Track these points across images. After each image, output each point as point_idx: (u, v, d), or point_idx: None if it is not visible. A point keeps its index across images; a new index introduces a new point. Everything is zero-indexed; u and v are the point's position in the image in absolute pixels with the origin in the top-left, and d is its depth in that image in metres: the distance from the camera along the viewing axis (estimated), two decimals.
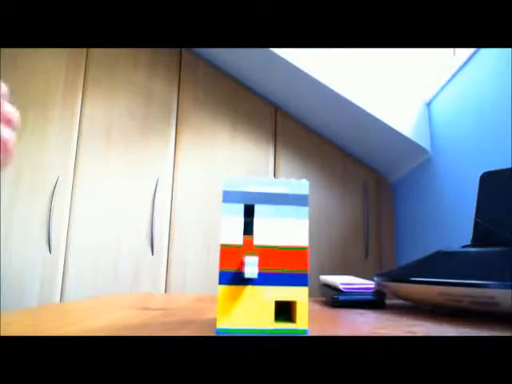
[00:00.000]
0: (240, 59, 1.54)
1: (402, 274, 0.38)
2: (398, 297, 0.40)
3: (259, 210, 0.23)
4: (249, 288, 0.22)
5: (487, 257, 0.37)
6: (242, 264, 0.23)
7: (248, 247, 0.23)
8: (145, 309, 0.35)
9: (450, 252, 0.40)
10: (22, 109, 1.53)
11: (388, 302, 0.47)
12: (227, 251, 0.23)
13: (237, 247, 0.23)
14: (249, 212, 0.23)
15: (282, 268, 0.23)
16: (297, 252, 0.23)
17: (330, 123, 1.61)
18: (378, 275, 0.42)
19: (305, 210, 0.24)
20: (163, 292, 1.50)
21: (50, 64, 1.58)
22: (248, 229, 0.23)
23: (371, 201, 1.70)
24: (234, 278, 0.22)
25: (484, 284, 0.30)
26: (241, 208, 0.23)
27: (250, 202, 0.24)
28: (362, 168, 1.72)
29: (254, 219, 0.23)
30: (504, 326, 0.28)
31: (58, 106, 1.56)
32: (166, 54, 1.63)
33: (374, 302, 0.42)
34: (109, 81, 1.62)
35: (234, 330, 0.21)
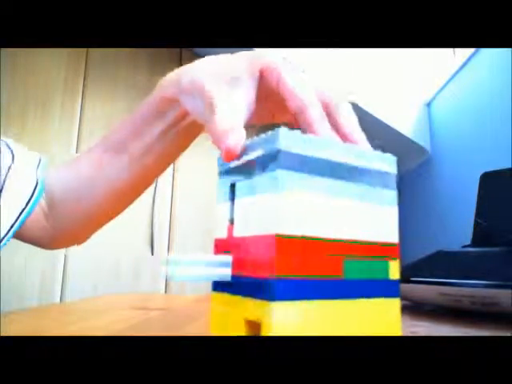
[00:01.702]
0: None
1: (402, 274, 0.38)
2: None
3: (240, 187, 0.17)
4: (231, 298, 0.17)
5: (487, 257, 0.37)
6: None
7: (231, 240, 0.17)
8: (145, 309, 0.35)
9: (450, 252, 0.40)
10: (21, 109, 1.53)
11: None
12: (216, 247, 0.18)
13: (224, 241, 0.18)
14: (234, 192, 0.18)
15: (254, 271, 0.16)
16: (265, 242, 0.15)
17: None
18: None
19: (279, 177, 0.15)
20: (163, 292, 1.50)
21: (50, 64, 1.58)
22: (231, 216, 0.17)
23: None
24: (220, 282, 0.18)
25: (484, 284, 0.30)
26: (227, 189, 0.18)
27: (234, 180, 0.18)
28: None
29: (235, 201, 0.17)
30: (504, 326, 0.28)
31: (58, 105, 1.56)
32: (166, 55, 1.63)
33: None
34: (109, 81, 1.62)
35: None
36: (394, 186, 0.18)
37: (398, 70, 1.44)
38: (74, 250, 1.47)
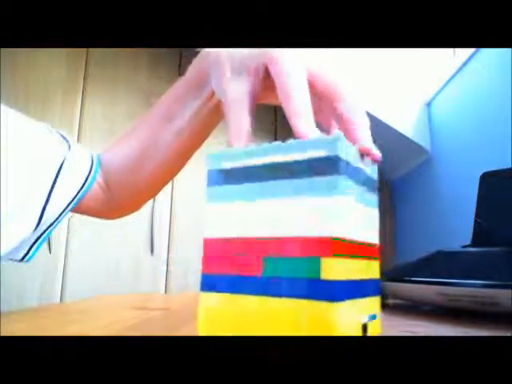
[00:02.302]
0: None
1: (402, 274, 0.38)
2: (398, 297, 0.40)
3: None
4: None
5: (487, 257, 0.37)
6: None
7: None
8: (145, 309, 0.35)
9: (449, 252, 0.40)
10: (21, 109, 1.52)
11: (388, 301, 0.47)
12: None
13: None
14: None
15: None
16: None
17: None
18: None
19: (205, 192, 0.18)
20: (163, 292, 1.50)
21: (50, 64, 1.58)
22: None
23: None
24: None
25: (484, 284, 0.30)
26: None
27: None
28: None
29: None
30: (504, 326, 0.28)
31: (58, 106, 1.56)
32: (166, 55, 1.63)
33: None
34: (109, 81, 1.62)
35: None
36: (336, 171, 0.15)
37: (397, 70, 1.44)
38: (74, 249, 1.47)
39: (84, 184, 0.33)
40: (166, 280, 1.52)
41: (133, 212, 0.38)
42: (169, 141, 0.32)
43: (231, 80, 0.23)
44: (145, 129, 0.33)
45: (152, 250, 1.51)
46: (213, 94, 0.29)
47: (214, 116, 0.31)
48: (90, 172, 0.33)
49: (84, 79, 1.60)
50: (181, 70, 1.65)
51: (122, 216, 0.39)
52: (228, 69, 0.24)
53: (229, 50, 0.25)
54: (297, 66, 0.22)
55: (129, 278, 1.48)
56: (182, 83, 0.31)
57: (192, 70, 0.30)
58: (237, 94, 0.23)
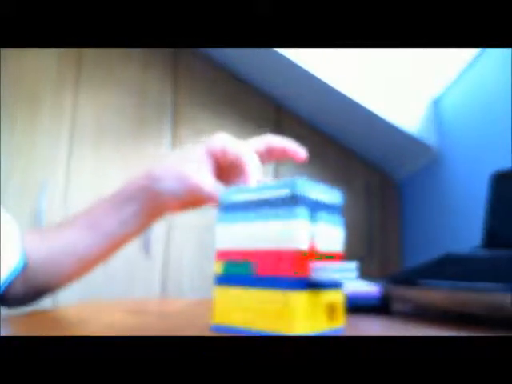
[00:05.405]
0: (241, 56, 1.53)
1: (409, 278, 0.37)
2: (404, 301, 0.39)
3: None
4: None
5: (498, 260, 0.35)
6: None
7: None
8: (140, 313, 0.34)
9: (459, 255, 0.39)
10: (11, 107, 1.49)
11: (394, 306, 0.46)
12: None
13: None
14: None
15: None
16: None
17: (334, 122, 1.60)
18: (384, 278, 0.41)
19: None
20: (158, 296, 1.49)
21: (41, 62, 1.55)
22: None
23: (375, 200, 1.68)
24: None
25: (495, 288, 0.29)
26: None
27: None
28: (365, 167, 1.70)
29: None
30: (504, 326, 0.27)
31: (48, 104, 1.53)
32: (160, 51, 1.60)
33: (379, 307, 0.40)
34: (101, 79, 1.59)
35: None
36: (295, 203, 0.22)
37: (404, 67, 1.42)
38: None
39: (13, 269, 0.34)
40: (162, 284, 1.51)
41: (46, 295, 0.40)
42: (90, 248, 0.35)
43: (195, 170, 0.32)
44: (68, 233, 0.36)
45: (147, 253, 1.50)
46: (146, 203, 0.34)
47: (144, 222, 0.35)
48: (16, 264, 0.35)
49: (75, 79, 1.57)
50: (176, 68, 1.63)
51: (32, 302, 0.39)
52: (189, 167, 0.32)
53: (174, 159, 0.34)
54: (235, 143, 0.33)
55: (123, 282, 1.47)
56: (117, 194, 0.35)
57: (128, 185, 0.35)
58: (202, 176, 0.31)
